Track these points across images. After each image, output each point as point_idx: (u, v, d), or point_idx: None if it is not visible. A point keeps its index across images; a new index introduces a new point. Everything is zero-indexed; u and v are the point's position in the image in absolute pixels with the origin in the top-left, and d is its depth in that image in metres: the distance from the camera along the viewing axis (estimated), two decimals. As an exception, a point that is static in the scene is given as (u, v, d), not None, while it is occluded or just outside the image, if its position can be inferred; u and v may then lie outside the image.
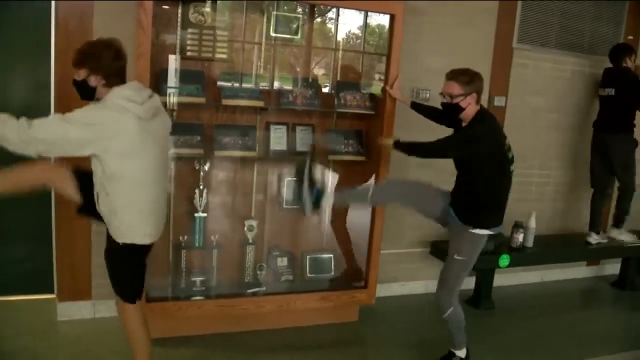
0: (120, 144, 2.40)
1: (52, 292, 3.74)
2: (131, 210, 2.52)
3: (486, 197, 3.15)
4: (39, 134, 2.32)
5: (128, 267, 2.67)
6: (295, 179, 3.42)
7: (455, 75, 3.06)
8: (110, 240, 2.60)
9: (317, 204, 3.31)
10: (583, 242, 4.99)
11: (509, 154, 3.12)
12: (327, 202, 3.38)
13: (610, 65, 4.79)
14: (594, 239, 4.94)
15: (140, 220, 2.55)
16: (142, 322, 2.76)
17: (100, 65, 2.42)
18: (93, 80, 2.44)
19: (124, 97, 2.43)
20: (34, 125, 2.31)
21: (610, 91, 4.73)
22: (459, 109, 3.06)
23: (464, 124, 3.13)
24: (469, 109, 3.07)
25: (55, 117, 2.42)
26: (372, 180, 3.64)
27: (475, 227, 3.14)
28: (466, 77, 3.04)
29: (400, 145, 3.27)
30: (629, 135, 4.77)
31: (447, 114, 3.19)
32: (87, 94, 2.49)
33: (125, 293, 2.69)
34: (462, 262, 3.21)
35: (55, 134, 2.34)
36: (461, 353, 3.38)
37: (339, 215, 4.11)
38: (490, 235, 3.21)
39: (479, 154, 3.04)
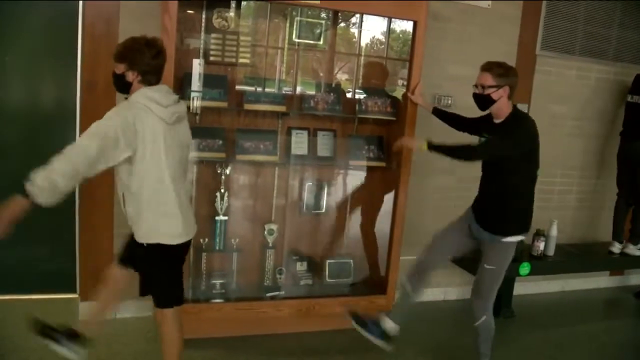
0: (145, 142, 2.43)
1: (74, 291, 3.80)
2: (156, 210, 2.54)
3: (517, 202, 3.12)
4: (75, 162, 2.30)
5: (160, 269, 2.65)
6: (355, 323, 3.44)
7: (490, 66, 3.05)
8: (136, 244, 2.61)
9: (383, 335, 3.36)
10: (605, 252, 4.92)
11: (539, 158, 3.10)
12: (391, 327, 3.37)
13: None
14: (617, 248, 4.87)
15: (165, 220, 2.57)
16: (179, 327, 2.72)
17: (139, 62, 2.47)
18: (130, 76, 2.49)
19: (149, 97, 2.47)
20: (66, 156, 2.30)
21: (639, 98, 4.66)
22: (489, 100, 3.03)
23: (495, 120, 3.10)
24: (501, 103, 3.03)
25: (81, 138, 2.40)
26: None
27: (505, 235, 3.11)
28: (500, 70, 3.02)
29: (436, 147, 3.15)
30: None
31: (478, 106, 3.13)
32: (123, 88, 2.55)
33: (159, 298, 2.68)
34: (493, 271, 3.19)
35: (87, 153, 2.32)
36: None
37: (359, 221, 4.12)
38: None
39: (516, 157, 3.00)
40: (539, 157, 3.07)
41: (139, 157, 2.44)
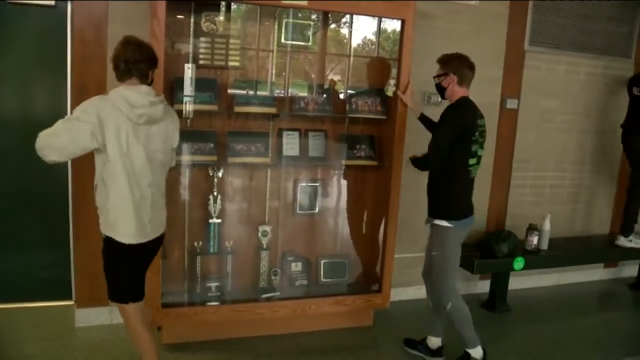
0: (114, 137, 2.48)
1: (70, 298, 3.81)
2: (116, 207, 2.58)
3: (448, 187, 3.25)
4: (47, 141, 2.44)
5: (112, 263, 2.68)
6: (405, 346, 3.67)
7: (440, 57, 3.30)
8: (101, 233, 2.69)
9: (433, 352, 3.53)
10: (599, 244, 4.96)
11: (473, 147, 3.16)
12: (435, 341, 3.55)
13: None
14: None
15: (123, 218, 2.59)
16: (142, 323, 2.75)
17: (115, 60, 2.57)
18: (114, 70, 2.60)
19: (122, 96, 2.51)
20: (41, 136, 2.44)
21: None
22: (440, 88, 3.29)
23: None
24: (450, 90, 3.24)
25: (58, 123, 2.50)
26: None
27: (435, 217, 3.28)
28: (444, 58, 3.27)
29: (413, 161, 3.32)
30: None
31: (440, 95, 3.38)
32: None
33: (112, 291, 2.72)
34: (438, 257, 3.30)
35: (61, 135, 2.45)
36: (476, 353, 3.36)
37: (353, 220, 4.13)
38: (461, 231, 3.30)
39: (450, 143, 3.13)
40: (471, 146, 3.15)
41: (110, 152, 2.50)
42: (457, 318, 3.31)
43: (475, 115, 3.19)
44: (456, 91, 3.22)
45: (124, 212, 2.58)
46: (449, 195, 3.25)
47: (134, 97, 2.52)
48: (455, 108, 3.21)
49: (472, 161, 3.19)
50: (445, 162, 3.14)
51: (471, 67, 3.24)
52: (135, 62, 2.55)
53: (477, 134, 3.17)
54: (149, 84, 2.64)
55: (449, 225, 3.23)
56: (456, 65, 3.21)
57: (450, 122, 3.15)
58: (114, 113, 2.48)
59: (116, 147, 2.49)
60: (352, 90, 3.98)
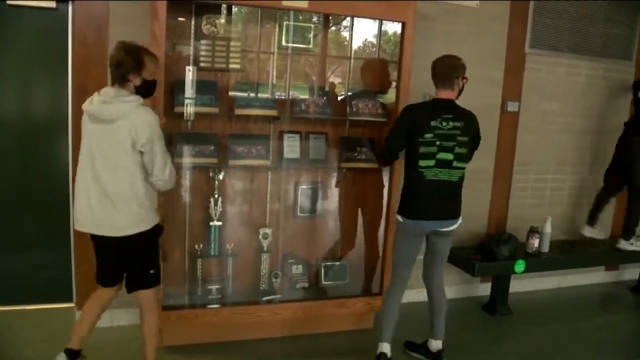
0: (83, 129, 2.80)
1: (71, 300, 3.80)
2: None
3: (404, 182, 3.31)
4: None
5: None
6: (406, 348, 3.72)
7: None
8: None
9: (433, 355, 3.51)
10: (600, 247, 4.95)
11: (423, 148, 3.13)
12: (436, 344, 3.52)
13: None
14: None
15: (75, 202, 2.87)
16: (95, 305, 3.03)
17: None
18: None
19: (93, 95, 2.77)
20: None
21: None
22: None
23: None
24: None
25: None
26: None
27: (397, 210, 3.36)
28: None
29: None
30: None
31: None
32: None
33: None
34: (393, 246, 3.46)
35: None
36: (380, 347, 3.39)
37: (354, 223, 4.13)
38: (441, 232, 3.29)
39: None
40: (418, 147, 3.13)
41: None
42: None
43: (430, 115, 3.14)
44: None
45: (75, 198, 2.86)
46: (402, 191, 3.32)
47: (97, 96, 2.73)
48: (411, 106, 3.30)
49: (423, 163, 3.14)
50: (404, 161, 3.28)
51: (434, 67, 3.21)
52: (110, 67, 2.74)
53: (430, 135, 3.11)
54: (140, 87, 2.77)
55: (398, 218, 3.31)
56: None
57: (397, 119, 3.28)
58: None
59: (83, 139, 2.78)
60: (353, 92, 3.98)
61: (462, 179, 3.25)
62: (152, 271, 2.95)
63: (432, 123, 3.11)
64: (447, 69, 3.17)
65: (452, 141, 3.14)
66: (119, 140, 2.68)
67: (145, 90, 2.82)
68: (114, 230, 2.78)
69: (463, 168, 3.21)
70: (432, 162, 3.14)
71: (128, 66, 2.69)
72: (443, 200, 3.22)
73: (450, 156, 3.15)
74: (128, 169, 2.72)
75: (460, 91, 3.25)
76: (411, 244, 3.33)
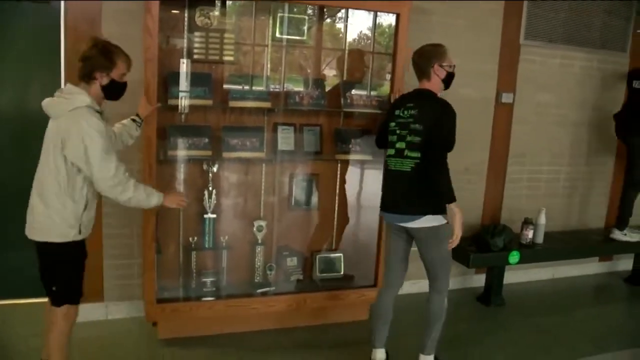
0: None
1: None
2: None
3: None
4: None
5: None
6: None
7: None
8: None
9: None
10: (594, 238, 4.98)
11: (390, 137, 3.10)
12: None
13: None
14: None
15: None
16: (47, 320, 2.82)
17: None
18: None
19: None
20: None
21: None
22: None
23: None
24: None
25: None
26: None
27: None
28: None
29: None
30: None
31: None
32: None
33: None
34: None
35: None
36: (374, 353, 3.36)
37: (348, 215, 4.13)
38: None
39: None
40: (387, 135, 3.13)
41: None
42: None
43: (398, 105, 3.12)
44: None
45: None
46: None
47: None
48: (397, 97, 3.33)
49: (390, 151, 3.10)
50: None
51: (412, 57, 3.13)
52: (78, 61, 2.65)
53: (393, 124, 3.09)
54: (106, 87, 2.66)
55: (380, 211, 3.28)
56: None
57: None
58: None
59: None
60: (347, 84, 3.97)
61: (417, 170, 2.94)
62: (54, 288, 2.71)
63: (397, 112, 3.08)
64: (421, 59, 3.06)
65: (406, 129, 3.00)
66: (56, 140, 2.56)
67: (112, 92, 2.69)
68: (29, 231, 2.68)
69: (416, 158, 2.94)
70: (392, 151, 3.08)
71: (96, 63, 2.59)
72: (398, 192, 3.07)
73: (402, 145, 3.01)
74: (52, 173, 2.57)
75: (446, 80, 3.07)
76: (390, 239, 3.24)
